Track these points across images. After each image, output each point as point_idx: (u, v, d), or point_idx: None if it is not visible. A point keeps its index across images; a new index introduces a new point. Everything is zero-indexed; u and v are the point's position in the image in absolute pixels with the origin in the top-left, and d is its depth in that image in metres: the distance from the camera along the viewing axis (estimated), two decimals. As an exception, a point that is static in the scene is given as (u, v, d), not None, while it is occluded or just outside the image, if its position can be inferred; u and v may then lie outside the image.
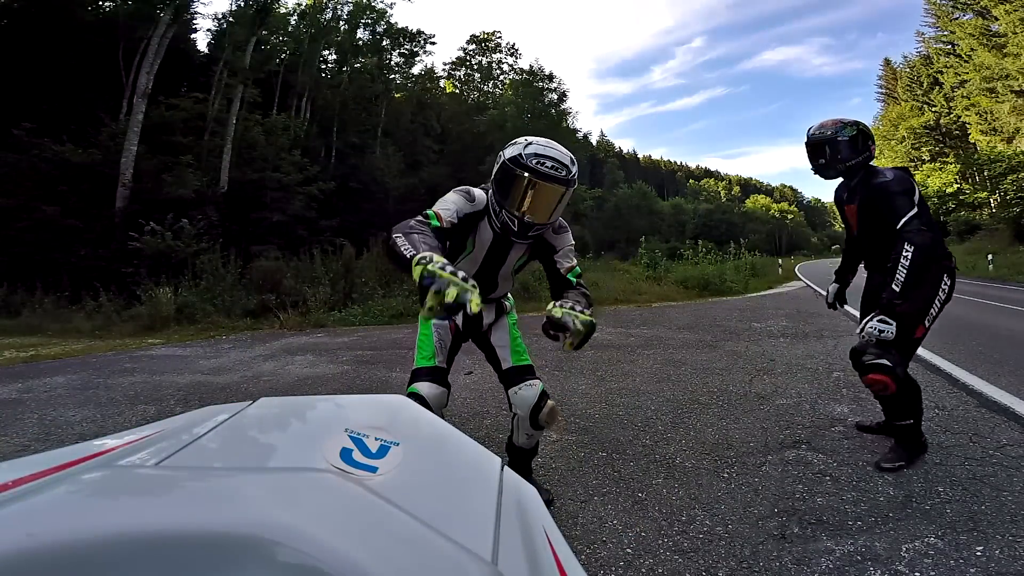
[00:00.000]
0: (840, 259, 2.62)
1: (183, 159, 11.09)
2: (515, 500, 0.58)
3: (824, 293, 2.56)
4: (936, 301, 2.04)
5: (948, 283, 2.06)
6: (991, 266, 17.03)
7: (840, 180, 2.27)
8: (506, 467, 0.66)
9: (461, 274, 1.11)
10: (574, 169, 1.50)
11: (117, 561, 0.29)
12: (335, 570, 0.30)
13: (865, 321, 1.98)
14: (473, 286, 1.10)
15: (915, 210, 1.95)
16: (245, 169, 13.10)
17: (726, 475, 2.09)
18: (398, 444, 0.60)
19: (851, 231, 2.33)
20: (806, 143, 2.21)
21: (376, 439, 0.60)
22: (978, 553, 1.49)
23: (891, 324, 1.89)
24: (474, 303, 1.08)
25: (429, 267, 1.10)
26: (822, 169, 2.18)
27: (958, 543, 1.54)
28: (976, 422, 2.56)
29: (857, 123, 2.14)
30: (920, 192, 2.03)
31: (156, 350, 5.76)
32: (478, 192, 1.59)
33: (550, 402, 1.71)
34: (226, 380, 4.09)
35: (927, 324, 2.05)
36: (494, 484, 0.59)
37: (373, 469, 0.54)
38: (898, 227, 1.93)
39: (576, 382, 3.68)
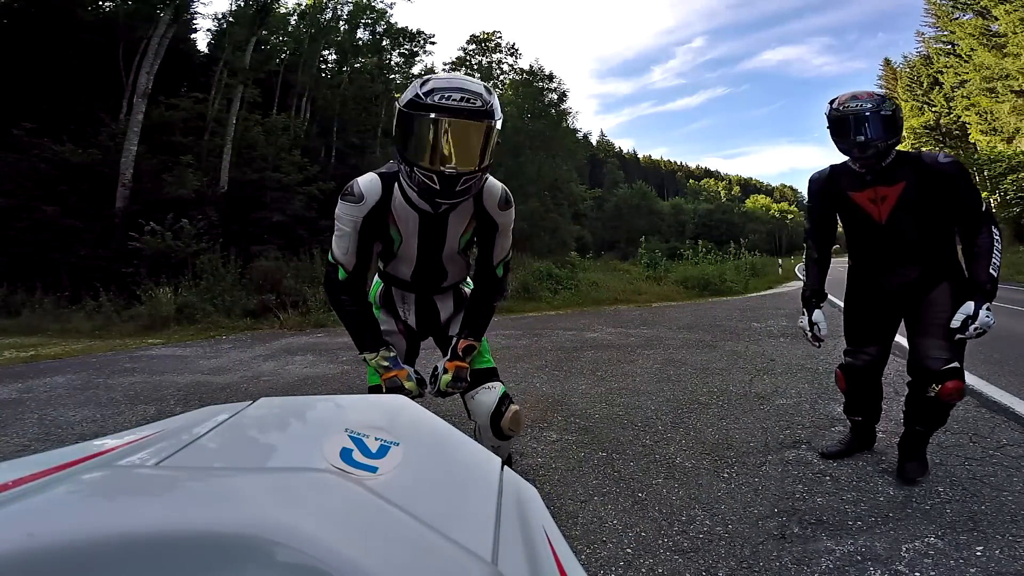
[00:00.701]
0: (809, 264, 2.20)
1: (183, 159, 11.08)
2: (515, 500, 0.58)
3: (809, 325, 2.12)
4: None
5: None
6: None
7: (827, 169, 2.02)
8: (506, 467, 0.66)
9: (381, 358, 1.39)
10: (491, 99, 1.19)
11: (117, 561, 0.29)
12: (335, 570, 0.30)
13: (971, 313, 1.72)
14: (408, 377, 1.39)
15: None
16: (245, 169, 13.09)
17: (726, 475, 2.09)
18: (398, 444, 0.60)
19: (867, 221, 1.92)
20: (840, 117, 1.81)
21: (376, 439, 0.60)
22: (978, 553, 1.49)
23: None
24: (409, 387, 1.38)
25: (371, 363, 1.39)
26: (862, 147, 1.78)
27: (958, 543, 1.54)
28: (976, 422, 2.56)
29: (892, 97, 1.90)
30: None
31: (156, 350, 5.75)
32: (361, 183, 1.32)
33: (513, 407, 1.49)
34: (226, 380, 4.09)
35: None
36: (494, 484, 0.59)
37: (373, 469, 0.54)
38: (983, 209, 1.76)
39: (576, 382, 3.68)
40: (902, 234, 1.87)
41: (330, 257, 1.43)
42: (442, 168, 1.17)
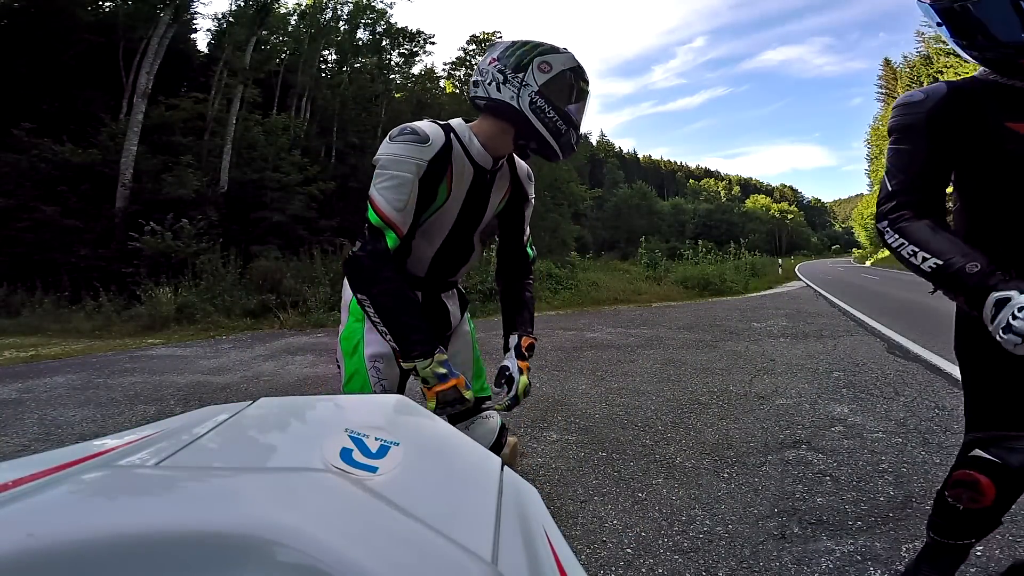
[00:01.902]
0: (918, 232, 1.05)
1: (183, 159, 11.08)
2: (515, 500, 0.58)
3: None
4: None
5: None
6: None
7: (944, 86, 1.06)
8: (506, 467, 0.66)
9: (435, 365, 1.04)
10: None
11: (117, 561, 0.29)
12: (335, 570, 0.30)
13: None
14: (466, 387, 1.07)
15: None
16: (245, 169, 13.10)
17: (726, 475, 2.09)
18: (398, 444, 0.60)
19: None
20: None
21: (376, 439, 0.60)
22: (978, 553, 1.49)
23: None
24: (468, 397, 1.06)
25: (423, 372, 1.04)
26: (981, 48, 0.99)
27: (958, 543, 1.54)
28: (976, 422, 2.56)
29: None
30: None
31: (156, 350, 5.76)
32: (422, 125, 1.14)
33: (511, 438, 1.38)
34: (226, 380, 4.09)
35: None
36: (494, 484, 0.59)
37: (373, 469, 0.54)
38: None
39: (576, 382, 3.68)
40: None
41: (373, 218, 1.09)
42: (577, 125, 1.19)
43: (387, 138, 1.13)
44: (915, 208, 1.08)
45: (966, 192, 1.14)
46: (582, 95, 1.18)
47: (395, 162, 1.09)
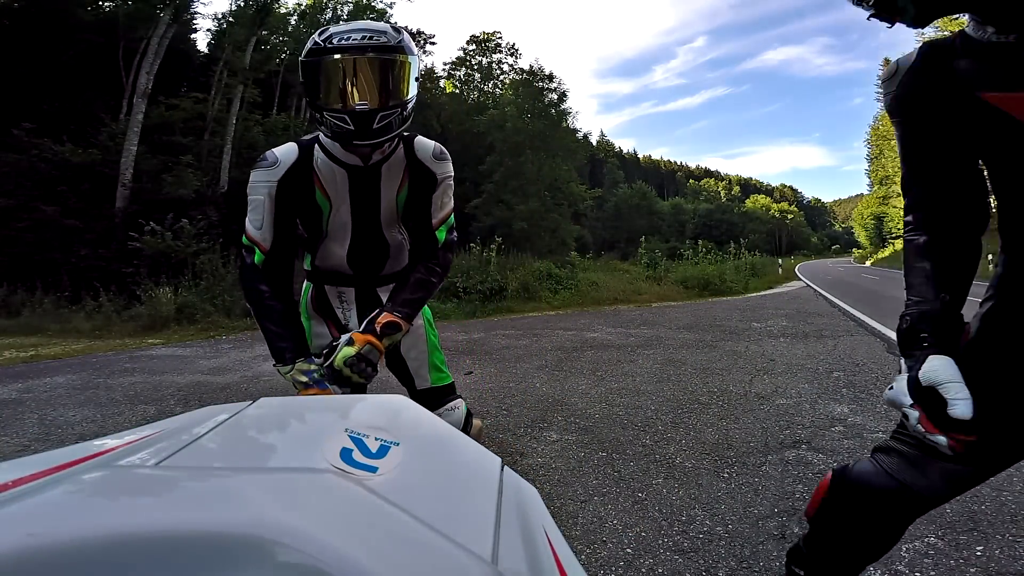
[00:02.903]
0: (912, 254, 0.94)
1: (183, 159, 11.09)
2: (515, 500, 0.58)
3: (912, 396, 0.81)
4: None
5: None
6: (991, 266, 17.05)
7: (916, 52, 0.85)
8: (506, 467, 0.66)
9: (307, 379, 1.11)
10: (400, 36, 1.13)
11: (117, 561, 0.29)
12: (335, 570, 0.30)
13: None
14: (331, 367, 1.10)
15: None
16: (245, 169, 13.03)
17: (726, 475, 2.09)
18: (398, 444, 0.60)
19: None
20: None
21: (376, 439, 0.60)
22: (978, 553, 1.49)
23: None
24: (339, 359, 1.09)
25: (285, 377, 1.15)
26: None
27: (958, 543, 1.54)
28: (976, 422, 2.56)
29: None
30: None
31: (156, 350, 5.76)
32: (276, 150, 1.21)
33: (476, 421, 1.47)
34: (226, 380, 4.09)
35: None
36: (494, 484, 0.59)
37: (373, 469, 0.54)
38: None
39: (576, 382, 3.68)
40: None
41: (243, 239, 1.22)
42: (354, 106, 1.09)
43: (253, 169, 1.22)
44: (917, 214, 0.93)
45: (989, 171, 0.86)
46: (332, 68, 1.10)
47: (252, 188, 1.21)
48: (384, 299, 1.35)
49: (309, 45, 1.12)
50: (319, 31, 1.13)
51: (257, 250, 1.21)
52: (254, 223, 1.20)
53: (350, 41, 1.08)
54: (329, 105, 1.11)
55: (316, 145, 1.22)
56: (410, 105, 1.17)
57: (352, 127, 1.10)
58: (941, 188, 0.89)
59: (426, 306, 1.42)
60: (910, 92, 0.85)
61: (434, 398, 1.41)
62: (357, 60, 1.09)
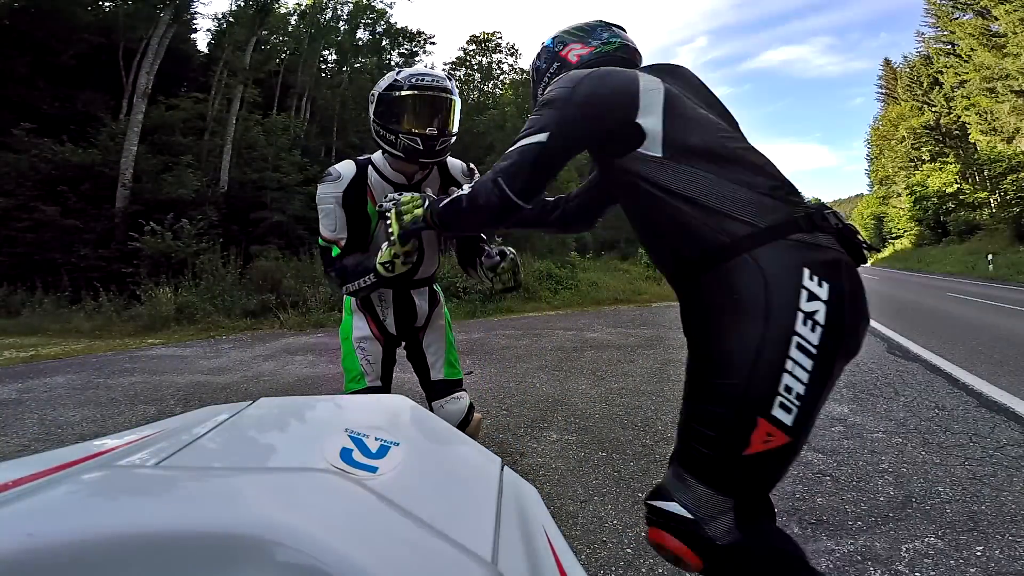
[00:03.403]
0: None
1: (183, 159, 11.08)
2: (515, 500, 0.58)
3: None
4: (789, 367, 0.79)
5: (823, 322, 0.80)
6: (991, 266, 17.05)
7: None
8: (506, 467, 0.66)
9: (385, 255, 1.27)
10: (452, 83, 1.45)
11: (117, 561, 0.29)
12: (335, 570, 0.30)
13: None
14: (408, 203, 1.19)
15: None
16: (245, 169, 13.10)
17: (726, 475, 2.09)
18: (398, 444, 0.60)
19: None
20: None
21: (376, 439, 0.60)
22: (978, 553, 1.49)
23: None
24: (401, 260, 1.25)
25: (379, 265, 1.28)
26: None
27: (958, 543, 1.54)
28: (976, 422, 2.56)
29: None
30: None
31: (156, 350, 5.76)
32: (337, 166, 1.48)
33: (477, 415, 1.65)
34: (226, 380, 4.09)
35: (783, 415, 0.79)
36: (494, 484, 0.59)
37: (373, 469, 0.54)
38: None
39: (576, 382, 3.68)
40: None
41: (320, 241, 1.49)
42: (425, 131, 1.36)
43: (320, 181, 1.48)
44: None
45: None
46: (413, 102, 1.37)
47: (321, 199, 1.46)
48: (416, 300, 1.61)
49: (390, 81, 1.41)
50: (397, 71, 1.42)
51: (335, 247, 1.46)
52: (328, 227, 1.46)
53: (428, 82, 1.38)
54: (407, 129, 1.37)
55: (369, 165, 1.48)
56: (455, 137, 1.45)
57: (422, 147, 1.37)
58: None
59: (447, 308, 1.73)
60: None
61: (443, 389, 1.61)
62: (434, 98, 1.39)
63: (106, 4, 13.24)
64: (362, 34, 20.88)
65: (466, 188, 1.05)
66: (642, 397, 3.25)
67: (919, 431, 2.48)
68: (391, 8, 20.83)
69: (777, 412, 0.78)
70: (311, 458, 0.55)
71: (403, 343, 1.67)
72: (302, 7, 18.84)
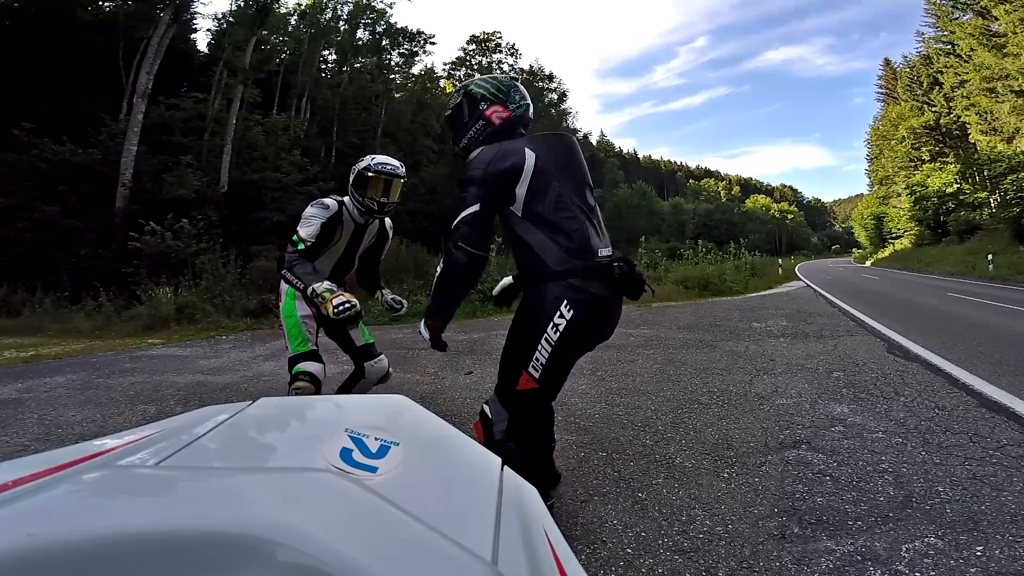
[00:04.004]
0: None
1: (183, 159, 11.09)
2: (515, 500, 0.58)
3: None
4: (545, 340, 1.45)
5: (572, 316, 1.42)
6: (991, 266, 17.05)
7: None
8: (506, 467, 0.66)
9: (326, 286, 1.85)
10: (403, 169, 2.20)
11: (117, 561, 0.29)
12: (335, 570, 0.30)
13: None
14: (342, 306, 1.79)
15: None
16: (245, 169, 13.11)
17: (726, 475, 2.09)
18: (398, 444, 0.60)
19: None
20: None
21: (376, 439, 0.60)
22: (978, 553, 1.49)
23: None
24: (348, 311, 1.80)
25: (316, 294, 1.86)
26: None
27: (958, 543, 1.54)
28: (976, 422, 2.56)
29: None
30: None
31: (156, 350, 5.76)
32: (330, 200, 2.18)
33: (390, 369, 2.50)
34: (226, 380, 4.09)
35: (534, 372, 1.47)
36: (494, 484, 0.59)
37: (373, 469, 0.54)
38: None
39: (576, 382, 3.68)
40: None
41: (295, 237, 2.08)
42: (383, 199, 2.17)
43: (310, 204, 2.15)
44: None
45: None
46: (378, 185, 2.15)
47: (309, 215, 2.12)
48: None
49: (365, 165, 2.15)
50: (370, 157, 2.19)
51: (302, 244, 2.06)
52: (307, 232, 2.08)
53: (388, 169, 2.14)
54: (370, 196, 2.15)
55: (343, 206, 2.20)
56: (395, 204, 2.23)
57: (376, 208, 2.17)
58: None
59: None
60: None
61: (368, 351, 2.41)
62: (390, 180, 2.15)
63: (106, 4, 13.24)
64: (362, 34, 20.89)
65: (437, 268, 1.52)
66: (642, 397, 3.25)
67: (919, 431, 2.48)
68: (391, 8, 20.83)
69: (531, 370, 1.48)
70: (311, 458, 0.55)
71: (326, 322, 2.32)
72: (302, 7, 18.85)
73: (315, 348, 2.15)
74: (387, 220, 2.36)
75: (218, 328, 7.35)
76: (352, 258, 2.33)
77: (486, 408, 1.59)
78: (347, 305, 1.77)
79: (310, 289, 1.86)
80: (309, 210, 2.10)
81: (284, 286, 2.19)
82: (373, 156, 2.16)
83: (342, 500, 0.40)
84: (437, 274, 1.52)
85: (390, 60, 22.03)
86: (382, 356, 2.42)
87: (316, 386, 2.03)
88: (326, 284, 1.86)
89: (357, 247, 2.32)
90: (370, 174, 2.11)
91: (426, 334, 1.57)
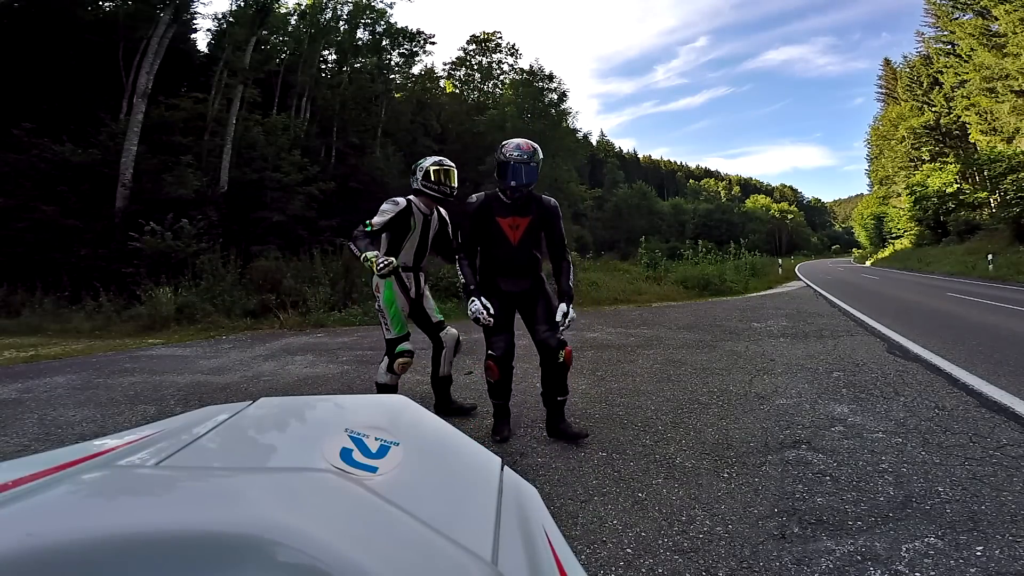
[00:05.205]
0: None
1: (183, 159, 11.08)
2: (515, 500, 0.58)
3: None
4: None
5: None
6: (991, 266, 17.04)
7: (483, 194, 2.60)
8: (506, 467, 0.66)
9: (374, 253, 2.39)
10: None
11: (117, 561, 0.29)
12: (335, 570, 0.30)
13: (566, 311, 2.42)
14: (383, 264, 2.33)
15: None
16: (245, 169, 13.10)
17: (726, 475, 2.09)
18: (398, 444, 0.60)
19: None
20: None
21: (376, 439, 0.60)
22: (978, 553, 1.49)
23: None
24: (386, 268, 2.34)
25: (367, 258, 2.35)
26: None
27: (958, 543, 1.54)
28: (976, 422, 2.56)
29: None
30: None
31: (156, 350, 5.76)
32: (400, 199, 2.60)
33: (462, 337, 3.02)
34: (226, 380, 4.09)
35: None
36: (494, 484, 0.59)
37: (373, 469, 0.54)
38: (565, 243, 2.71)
39: (576, 382, 3.68)
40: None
41: (367, 221, 2.52)
42: (453, 185, 2.72)
43: (385, 201, 2.62)
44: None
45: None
46: (441, 175, 2.65)
47: (385, 208, 2.58)
48: (423, 278, 2.87)
49: (429, 163, 2.65)
50: (427, 159, 2.72)
51: (371, 227, 2.51)
52: (378, 220, 2.53)
53: (447, 163, 2.69)
54: (445, 184, 2.65)
55: (411, 201, 2.64)
56: (456, 190, 2.73)
57: (449, 193, 2.67)
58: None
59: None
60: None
61: (440, 325, 2.89)
62: (449, 170, 2.68)
63: (106, 4, 13.24)
64: (362, 34, 20.87)
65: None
66: (642, 397, 3.25)
67: (919, 431, 2.48)
68: (391, 8, 20.80)
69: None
70: (311, 458, 0.55)
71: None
72: (302, 7, 18.84)
73: (409, 331, 2.69)
74: (442, 210, 2.82)
75: (218, 328, 7.35)
76: (426, 244, 2.75)
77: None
78: (385, 264, 2.33)
79: (363, 255, 2.37)
80: (384, 205, 2.57)
81: (377, 280, 2.59)
82: (427, 157, 2.71)
83: (342, 500, 0.40)
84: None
85: (390, 60, 22.02)
86: (449, 328, 2.92)
87: (411, 358, 2.66)
88: (374, 252, 2.39)
89: (428, 235, 2.75)
90: (436, 168, 2.62)
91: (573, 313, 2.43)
